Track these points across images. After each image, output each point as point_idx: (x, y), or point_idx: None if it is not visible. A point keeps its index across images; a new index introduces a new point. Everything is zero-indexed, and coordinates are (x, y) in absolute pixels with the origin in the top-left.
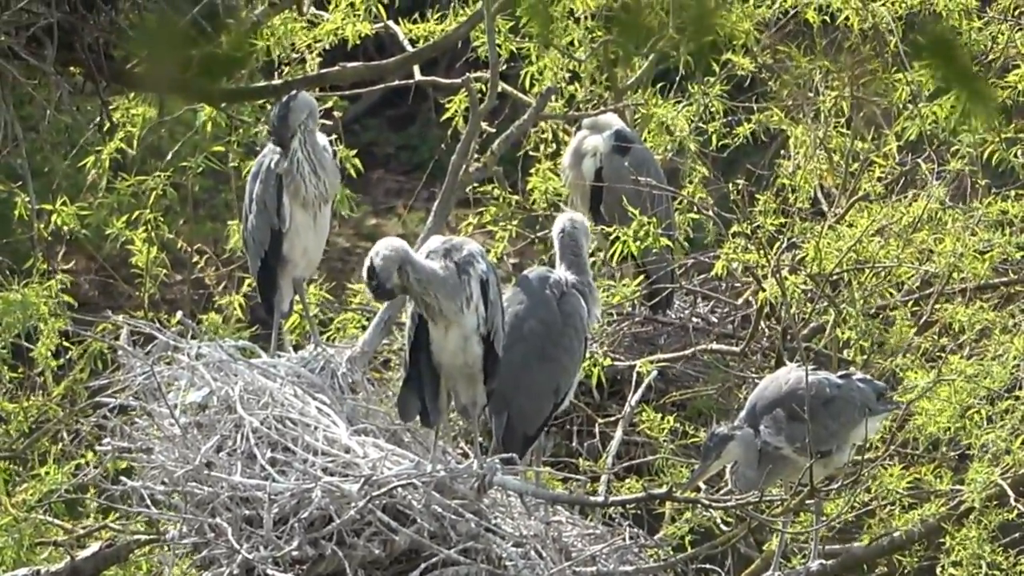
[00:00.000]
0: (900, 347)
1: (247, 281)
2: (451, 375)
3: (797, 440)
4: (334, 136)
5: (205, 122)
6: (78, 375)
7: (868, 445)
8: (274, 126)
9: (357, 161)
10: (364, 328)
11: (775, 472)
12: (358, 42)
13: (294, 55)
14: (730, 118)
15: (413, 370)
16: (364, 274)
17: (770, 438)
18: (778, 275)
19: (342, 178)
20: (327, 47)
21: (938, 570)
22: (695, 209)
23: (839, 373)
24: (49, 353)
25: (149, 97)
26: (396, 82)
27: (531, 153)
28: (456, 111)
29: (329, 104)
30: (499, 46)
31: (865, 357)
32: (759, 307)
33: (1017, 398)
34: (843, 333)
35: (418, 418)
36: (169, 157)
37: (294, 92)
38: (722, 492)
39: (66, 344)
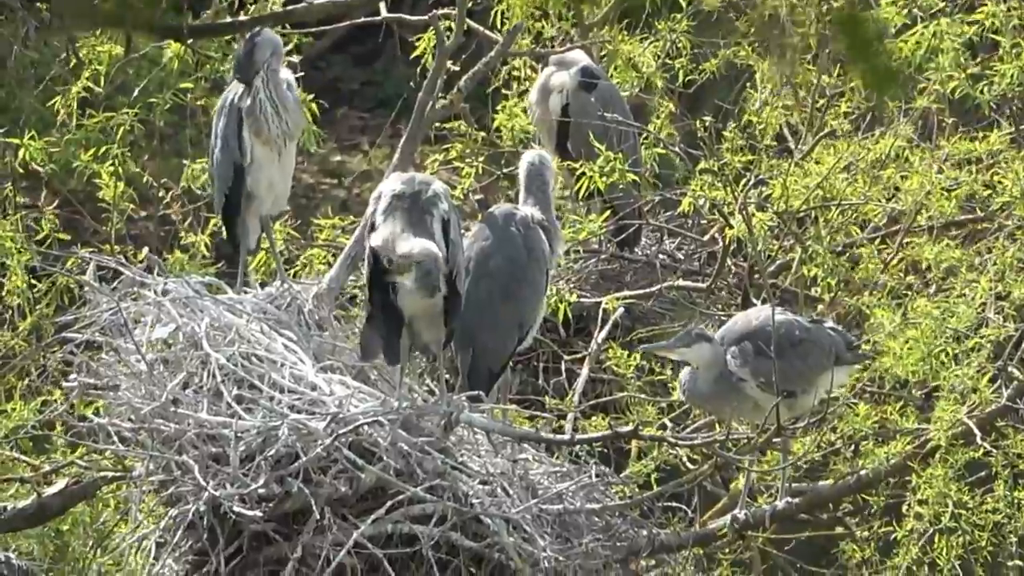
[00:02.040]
0: (867, 284)
1: (213, 221)
2: (413, 315)
3: (761, 375)
4: (302, 74)
5: (172, 59)
6: (44, 310)
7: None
8: (239, 63)
9: (315, 104)
10: (330, 265)
11: (734, 405)
12: None
13: None
14: (696, 51)
15: (375, 308)
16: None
17: (735, 368)
18: (745, 212)
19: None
20: None
21: (904, 508)
22: (662, 145)
23: (810, 318)
24: (25, 285)
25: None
26: (362, 19)
27: (500, 90)
28: (424, 48)
29: (293, 43)
30: None
31: (832, 294)
32: (726, 244)
33: (983, 337)
34: (810, 270)
35: (381, 356)
36: (136, 94)
37: (258, 29)
38: (689, 430)
39: (33, 280)
